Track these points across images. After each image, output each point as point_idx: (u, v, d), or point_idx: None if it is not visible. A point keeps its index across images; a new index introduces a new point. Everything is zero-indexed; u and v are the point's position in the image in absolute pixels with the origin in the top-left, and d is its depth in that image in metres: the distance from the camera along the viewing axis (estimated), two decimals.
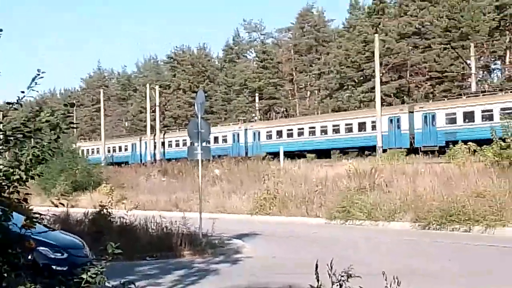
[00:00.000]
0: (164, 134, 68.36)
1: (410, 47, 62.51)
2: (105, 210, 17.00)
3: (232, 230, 19.27)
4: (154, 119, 67.28)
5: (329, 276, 5.62)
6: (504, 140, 24.59)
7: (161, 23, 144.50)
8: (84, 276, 5.26)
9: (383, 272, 5.82)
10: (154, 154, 64.78)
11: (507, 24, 58.19)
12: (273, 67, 78.73)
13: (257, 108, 77.59)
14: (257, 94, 77.38)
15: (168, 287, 11.01)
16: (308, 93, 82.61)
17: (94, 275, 5.27)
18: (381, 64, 50.22)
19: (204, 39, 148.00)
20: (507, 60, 61.84)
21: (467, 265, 12.62)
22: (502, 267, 12.28)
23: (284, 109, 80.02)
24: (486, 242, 15.82)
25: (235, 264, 13.83)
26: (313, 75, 79.23)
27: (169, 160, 57.13)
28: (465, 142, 30.03)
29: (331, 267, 5.63)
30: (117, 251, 5.34)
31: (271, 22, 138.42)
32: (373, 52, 50.14)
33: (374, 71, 49.27)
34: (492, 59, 67.30)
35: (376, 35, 50.12)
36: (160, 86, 75.15)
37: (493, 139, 25.08)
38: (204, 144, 17.56)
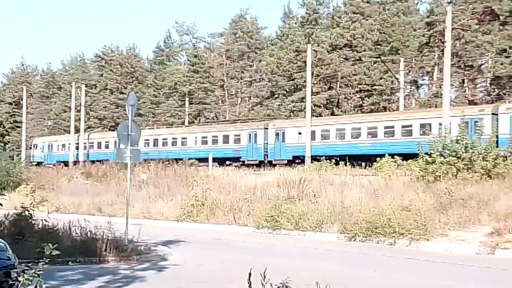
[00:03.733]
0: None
1: (341, 59, 63.40)
2: (26, 212, 16.33)
3: (159, 236, 18.92)
4: (79, 119, 65.72)
5: (262, 285, 5.52)
6: (430, 155, 25.16)
7: (90, 20, 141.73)
8: (20, 278, 5.00)
9: (316, 283, 5.79)
10: (77, 155, 63.36)
11: (436, 41, 59.83)
12: (204, 72, 78.34)
13: (186, 113, 76.92)
14: (187, 99, 76.75)
15: None
16: (239, 100, 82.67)
17: (31, 278, 5.02)
18: (312, 74, 50.66)
19: (134, 39, 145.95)
20: (435, 76, 63.59)
21: (391, 277, 12.70)
22: (425, 280, 12.40)
23: (214, 115, 79.71)
24: (410, 256, 16.01)
25: (161, 271, 13.49)
26: (245, 82, 79.39)
27: (93, 162, 55.96)
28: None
29: (264, 277, 5.52)
30: (56, 252, 5.14)
31: (204, 26, 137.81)
32: (305, 62, 50.59)
33: (305, 81, 49.66)
34: (421, 75, 69.14)
35: (309, 45, 50.57)
36: (86, 85, 73.46)
37: (419, 154, 25.65)
38: (133, 147, 17.07)
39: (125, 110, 17.62)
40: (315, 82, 56.21)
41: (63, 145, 68.38)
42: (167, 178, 33.74)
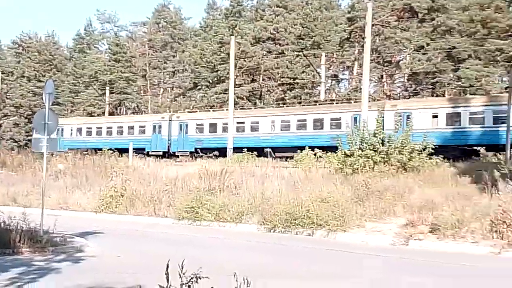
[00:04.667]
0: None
1: (264, 52, 63.76)
2: None
3: (76, 228, 18.51)
4: None
5: (179, 276, 5.50)
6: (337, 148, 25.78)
7: (7, 6, 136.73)
8: None
9: (234, 273, 5.83)
10: None
11: (357, 36, 61.01)
12: (126, 61, 77.06)
13: (107, 102, 75.50)
14: (107, 88, 75.30)
15: (5, 285, 10.23)
16: (161, 90, 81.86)
17: None
18: (235, 66, 50.73)
19: (53, 26, 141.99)
20: (355, 71, 64.91)
21: (312, 267, 12.88)
22: (342, 269, 12.66)
23: (136, 105, 78.64)
24: (328, 246, 16.29)
25: (77, 263, 13.19)
26: (167, 73, 78.74)
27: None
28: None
29: (182, 268, 5.52)
30: None
31: (126, 15, 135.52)
32: (228, 54, 50.60)
33: (228, 72, 49.68)
34: (341, 69, 70.43)
35: (232, 37, 50.56)
36: (2, 72, 70.98)
37: (338, 146, 26.19)
38: (51, 136, 16.61)
39: (42, 99, 17.08)
40: (238, 74, 56.30)
41: None
42: (85, 168, 33.03)
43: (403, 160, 24.30)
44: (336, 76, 69.97)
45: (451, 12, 56.81)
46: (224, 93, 60.36)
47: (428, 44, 57.76)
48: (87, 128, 56.10)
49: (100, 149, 43.29)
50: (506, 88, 40.71)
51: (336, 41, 61.79)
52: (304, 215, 18.83)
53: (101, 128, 55.03)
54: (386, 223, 18.37)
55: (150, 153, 48.23)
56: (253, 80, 66.18)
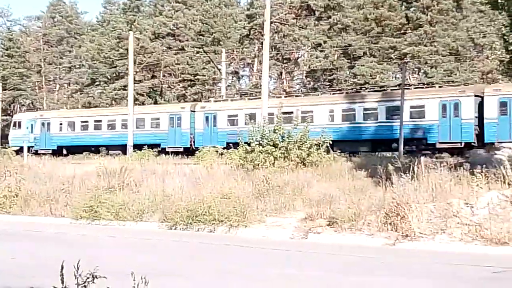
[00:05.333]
0: None
1: (164, 48, 63.21)
2: None
3: None
4: None
5: (75, 277, 5.41)
6: (249, 144, 25.93)
7: None
8: None
9: (131, 272, 5.74)
10: None
11: (256, 33, 61.62)
12: (19, 56, 74.36)
13: (0, 99, 72.46)
14: (0, 84, 72.26)
15: None
16: (57, 86, 79.50)
17: None
18: (135, 62, 50.03)
19: None
20: (255, 67, 65.50)
21: (207, 263, 12.89)
22: (240, 265, 12.74)
23: (30, 102, 75.95)
24: (229, 242, 16.36)
25: None
26: (64, 68, 76.52)
27: None
28: None
29: (78, 268, 5.50)
30: None
31: (20, 9, 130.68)
32: (127, 49, 49.84)
33: (127, 68, 48.92)
34: (242, 66, 70.92)
35: (131, 32, 49.86)
36: None
37: (239, 143, 26.38)
38: None
39: None
40: (138, 70, 55.56)
41: None
42: None
43: (302, 156, 24.82)
44: (237, 72, 70.37)
45: (347, 10, 58.49)
46: (123, 89, 59.37)
47: (325, 42, 59.18)
48: (82, 122, 50.46)
49: (100, 147, 43.87)
50: (399, 84, 42.33)
51: (236, 38, 62.16)
52: (206, 212, 18.78)
53: (100, 121, 49.61)
54: (286, 218, 18.61)
55: (167, 149, 43.19)
56: (153, 76, 65.51)
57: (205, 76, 62.23)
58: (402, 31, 56.40)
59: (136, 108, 47.51)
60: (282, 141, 25.51)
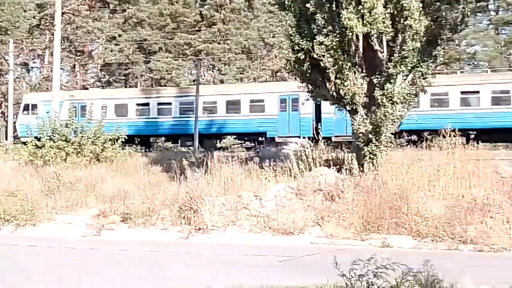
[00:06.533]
0: None
1: None
2: None
3: None
4: None
5: None
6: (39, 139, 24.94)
7: None
8: None
9: None
10: None
11: (48, 24, 59.01)
12: None
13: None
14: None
15: None
16: None
17: None
18: None
19: None
20: (46, 59, 62.70)
21: None
22: (24, 265, 12.20)
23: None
24: (17, 242, 15.58)
25: None
26: None
27: None
28: None
29: None
30: None
31: None
32: None
33: None
34: (32, 57, 67.51)
35: None
36: None
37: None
38: None
39: None
40: None
41: None
42: None
43: (96, 151, 24.40)
44: (26, 64, 66.83)
45: (142, 4, 58.22)
46: None
47: (120, 35, 58.41)
48: (138, 104, 39.39)
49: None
50: (194, 80, 43.08)
51: (26, 27, 59.00)
52: None
53: (164, 104, 38.97)
54: (78, 215, 18.15)
55: (277, 139, 35.33)
56: None
57: None
58: (197, 28, 57.46)
59: None
60: (75, 136, 24.86)
